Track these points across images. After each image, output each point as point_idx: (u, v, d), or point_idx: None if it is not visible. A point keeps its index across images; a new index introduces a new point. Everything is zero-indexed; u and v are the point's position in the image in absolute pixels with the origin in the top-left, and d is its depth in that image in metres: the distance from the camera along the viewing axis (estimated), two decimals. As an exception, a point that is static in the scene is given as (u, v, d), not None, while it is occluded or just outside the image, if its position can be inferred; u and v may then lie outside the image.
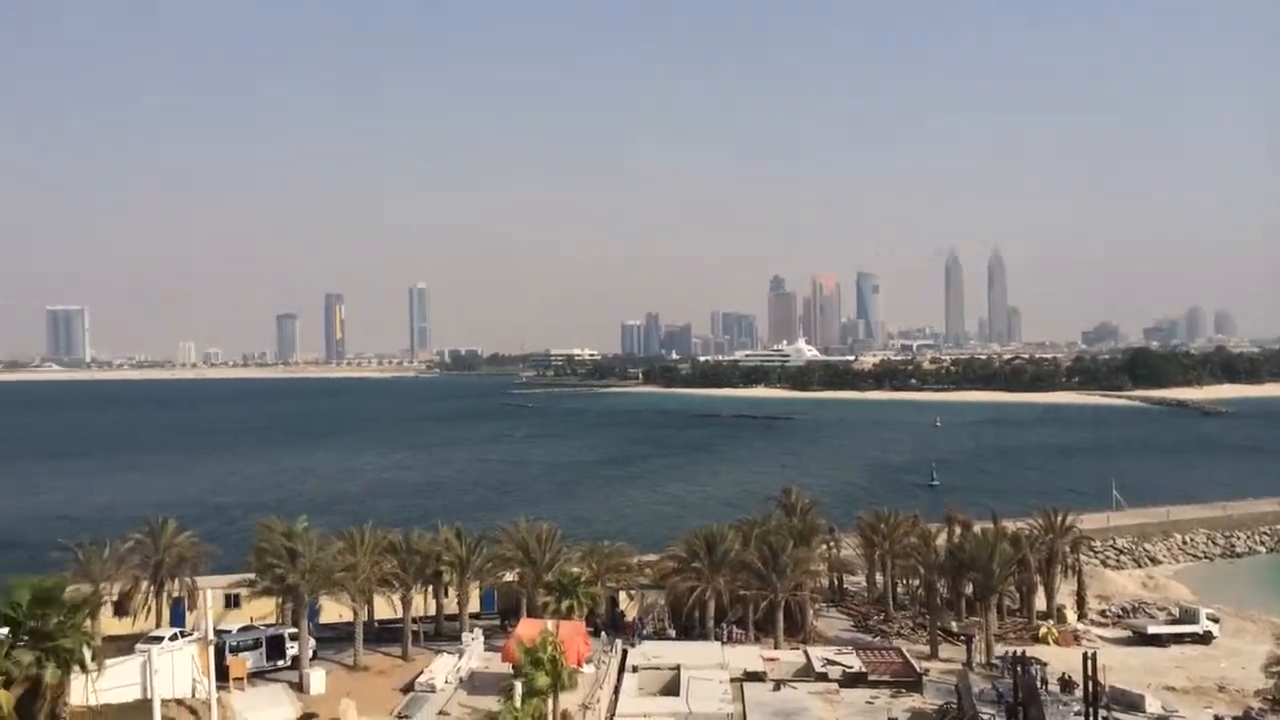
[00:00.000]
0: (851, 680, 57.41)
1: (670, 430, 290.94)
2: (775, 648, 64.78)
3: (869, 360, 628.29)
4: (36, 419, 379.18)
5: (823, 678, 57.74)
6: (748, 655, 61.82)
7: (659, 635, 68.24)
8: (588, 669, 57.33)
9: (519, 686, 44.15)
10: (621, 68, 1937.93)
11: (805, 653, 62.12)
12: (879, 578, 79.26)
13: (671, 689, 55.55)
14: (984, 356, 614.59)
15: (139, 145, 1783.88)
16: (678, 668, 57.43)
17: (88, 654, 43.01)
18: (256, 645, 60.46)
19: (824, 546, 79.27)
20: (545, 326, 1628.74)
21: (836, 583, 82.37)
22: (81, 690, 48.49)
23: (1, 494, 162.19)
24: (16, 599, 41.19)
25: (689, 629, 68.76)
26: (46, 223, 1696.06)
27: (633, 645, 62.85)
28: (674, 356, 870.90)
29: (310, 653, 59.95)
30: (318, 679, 57.43)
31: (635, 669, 58.29)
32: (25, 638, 40.55)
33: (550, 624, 52.98)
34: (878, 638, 69.73)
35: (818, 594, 75.95)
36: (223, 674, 55.59)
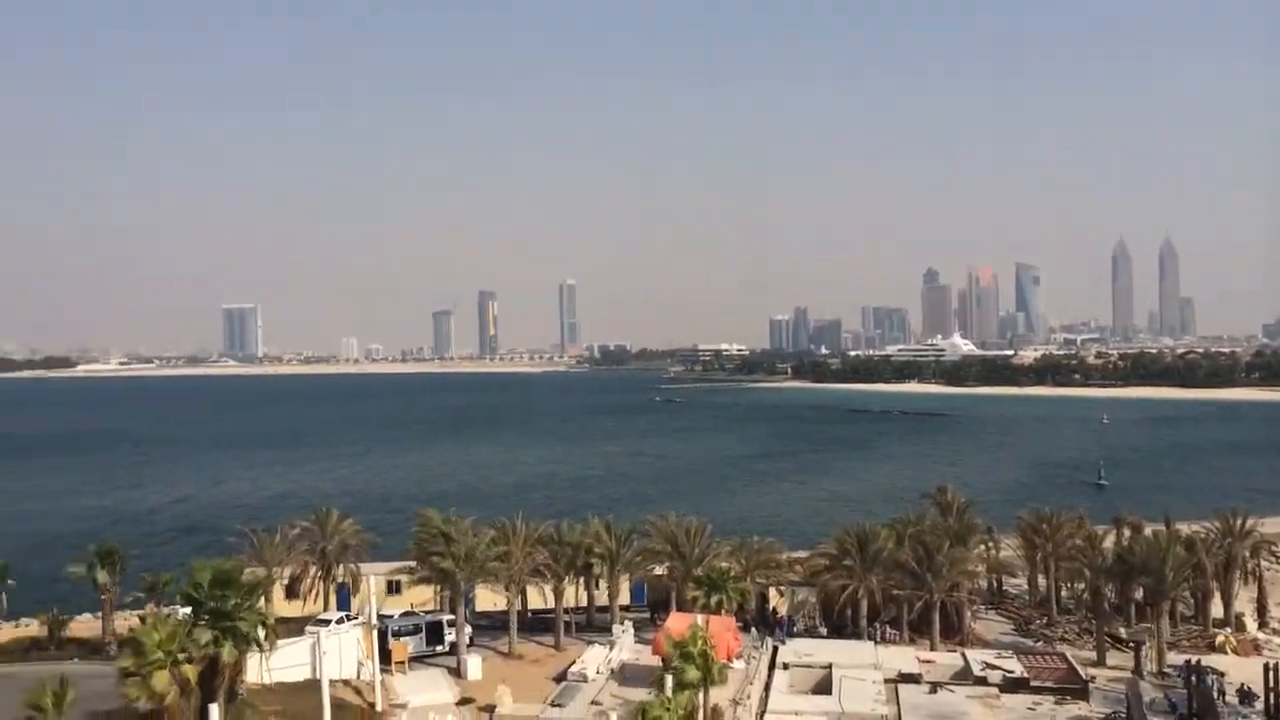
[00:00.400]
0: (1013, 685, 55.38)
1: (820, 426, 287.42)
2: (931, 649, 63.11)
3: (1029, 355, 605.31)
4: (217, 412, 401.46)
5: (982, 682, 55.89)
6: (902, 656, 60.43)
7: (810, 633, 67.43)
8: (738, 665, 56.99)
9: (669, 679, 44.24)
10: (776, 64, 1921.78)
11: (963, 655, 60.29)
12: (1041, 580, 76.27)
13: (823, 688, 54.76)
14: (1155, 351, 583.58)
15: (301, 151, 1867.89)
16: (830, 666, 56.56)
17: (261, 634, 45.19)
18: (417, 631, 62.55)
19: (982, 547, 76.70)
20: (692, 321, 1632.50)
21: (996, 585, 79.71)
22: (256, 668, 51.21)
23: (189, 483, 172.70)
24: (198, 580, 43.58)
25: (840, 627, 67.67)
26: (222, 226, 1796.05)
27: (782, 642, 62.25)
28: (823, 351, 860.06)
29: (467, 639, 61.61)
30: (474, 665, 58.99)
31: (786, 666, 57.71)
32: (206, 617, 42.88)
33: (700, 618, 52.91)
34: (1040, 642, 67.10)
35: (976, 596, 73.62)
36: (385, 657, 57.76)
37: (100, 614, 64.09)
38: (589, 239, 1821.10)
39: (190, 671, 39.49)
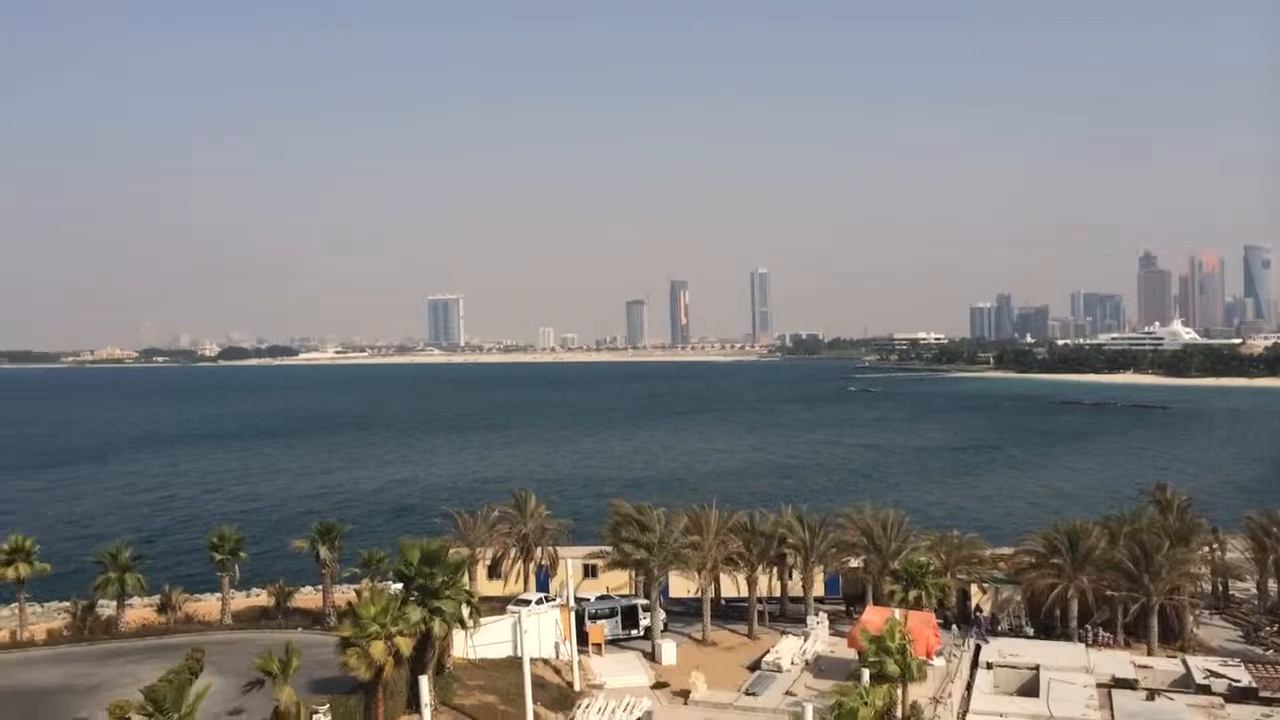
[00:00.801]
0: (1239, 695, 51.52)
1: (1026, 417, 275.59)
2: (1148, 654, 59.44)
3: (1259, 344, 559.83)
4: (423, 398, 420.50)
5: (1205, 690, 52.26)
6: (1116, 660, 57.19)
7: (1015, 633, 64.81)
8: (938, 662, 55.42)
9: (866, 673, 43.41)
10: (996, 36, 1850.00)
11: (1183, 662, 56.53)
12: (1272, 585, 70.63)
13: (1030, 690, 52.54)
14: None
15: (499, 150, 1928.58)
16: (1037, 668, 54.24)
17: (465, 612, 47.11)
18: (612, 614, 63.76)
19: (1205, 548, 71.66)
20: (888, 310, 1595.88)
21: (1221, 588, 74.31)
22: (462, 643, 53.46)
23: (402, 465, 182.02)
24: (408, 558, 45.85)
25: (1048, 628, 64.70)
26: (428, 221, 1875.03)
27: (985, 641, 60.08)
28: (1028, 340, 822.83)
29: (661, 625, 62.31)
30: (669, 650, 59.63)
31: (990, 666, 55.70)
32: (415, 593, 45.07)
33: (898, 613, 51.74)
34: (1271, 651, 62.13)
35: (1198, 599, 68.89)
36: (582, 639, 59.19)
37: (321, 587, 68.28)
38: (782, 227, 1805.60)
39: (403, 644, 41.57)
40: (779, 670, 55.46)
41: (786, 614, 69.01)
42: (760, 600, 67.24)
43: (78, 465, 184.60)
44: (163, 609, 67.36)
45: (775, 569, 69.59)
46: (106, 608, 65.24)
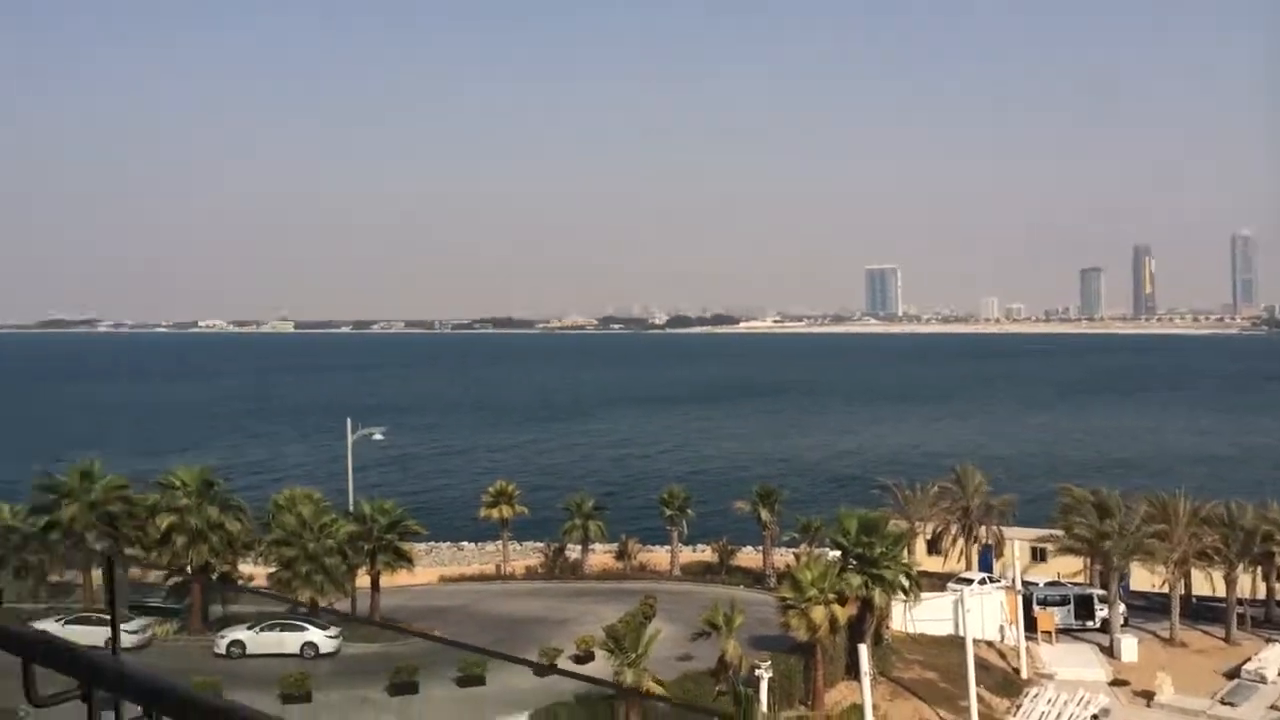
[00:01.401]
0: None
1: None
2: None
3: None
4: (871, 369, 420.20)
5: None
6: None
7: None
8: None
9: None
10: None
11: None
12: None
13: None
14: None
15: (941, 117, 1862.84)
16: None
17: (906, 584, 46.47)
18: (1064, 602, 59.88)
19: None
20: None
21: None
22: (899, 617, 52.88)
23: (843, 435, 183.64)
24: (846, 528, 46.10)
25: None
26: (868, 192, 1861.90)
27: None
28: None
29: (1121, 619, 57.50)
30: (1129, 646, 54.97)
31: None
32: (853, 561, 45.17)
33: None
34: None
35: None
36: (1030, 625, 56.14)
37: (760, 548, 70.69)
38: (1265, 180, 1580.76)
39: (840, 613, 41.88)
40: (1263, 681, 49.16)
41: (1273, 619, 60.92)
42: (1241, 602, 59.82)
43: (554, 422, 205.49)
44: (620, 556, 73.32)
45: (1260, 568, 61.57)
46: (573, 551, 72.10)
